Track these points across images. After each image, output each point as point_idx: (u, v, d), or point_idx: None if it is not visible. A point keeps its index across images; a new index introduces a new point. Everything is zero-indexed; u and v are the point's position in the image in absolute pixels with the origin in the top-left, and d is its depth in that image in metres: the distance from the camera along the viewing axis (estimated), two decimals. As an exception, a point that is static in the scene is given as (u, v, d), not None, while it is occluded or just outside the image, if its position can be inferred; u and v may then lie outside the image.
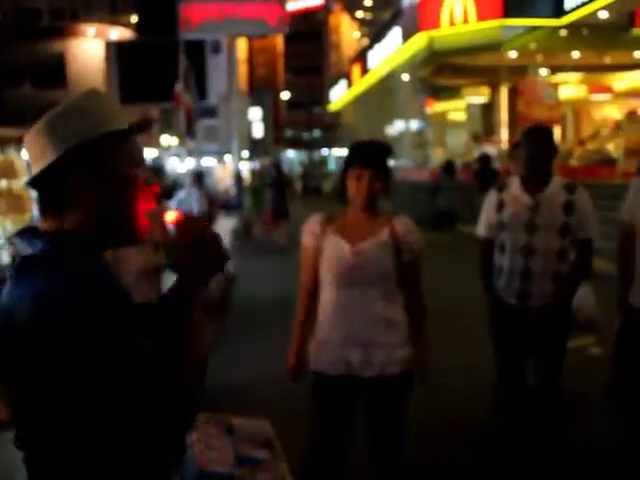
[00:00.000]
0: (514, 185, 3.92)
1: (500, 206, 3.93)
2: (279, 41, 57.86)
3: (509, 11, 18.39)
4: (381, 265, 3.02)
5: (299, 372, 3.22)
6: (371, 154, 3.08)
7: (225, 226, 10.58)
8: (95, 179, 1.48)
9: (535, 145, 3.84)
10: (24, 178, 7.18)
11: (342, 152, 42.86)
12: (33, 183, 1.51)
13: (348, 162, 3.08)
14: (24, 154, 7.24)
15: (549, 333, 3.86)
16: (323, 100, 51.08)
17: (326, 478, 3.16)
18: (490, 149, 20.51)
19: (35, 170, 1.48)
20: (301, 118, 59.23)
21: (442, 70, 22.64)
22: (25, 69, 38.55)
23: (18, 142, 7.01)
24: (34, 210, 7.36)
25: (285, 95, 59.27)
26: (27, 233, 1.49)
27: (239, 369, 6.22)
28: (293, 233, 15.97)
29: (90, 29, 40.42)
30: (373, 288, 3.01)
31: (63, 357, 1.31)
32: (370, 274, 3.01)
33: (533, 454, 3.94)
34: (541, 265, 3.80)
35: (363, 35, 37.93)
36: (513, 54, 20.31)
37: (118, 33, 41.02)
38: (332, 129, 50.95)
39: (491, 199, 4.02)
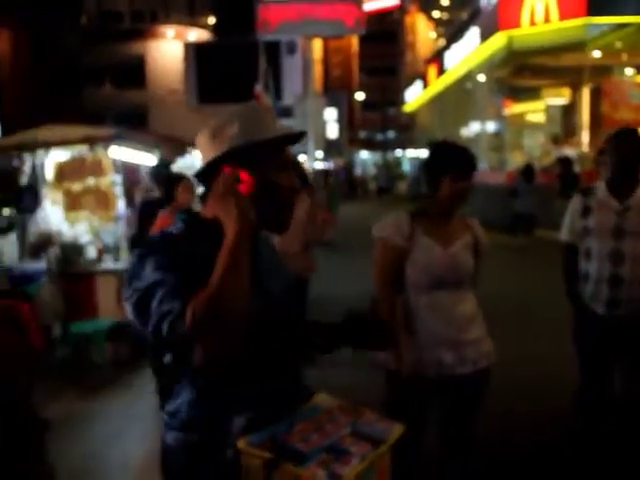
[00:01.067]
0: (600, 190, 3.84)
1: (586, 211, 3.87)
2: (354, 41, 57.86)
3: (593, 9, 17.88)
4: (468, 266, 3.13)
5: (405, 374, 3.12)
6: (471, 159, 3.12)
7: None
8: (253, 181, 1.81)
9: (623, 148, 3.75)
10: (111, 176, 7.49)
11: (416, 153, 42.60)
12: (198, 176, 1.89)
13: (445, 166, 3.08)
14: (111, 152, 7.56)
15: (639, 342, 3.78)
16: (398, 101, 50.88)
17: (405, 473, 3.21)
18: (570, 152, 20.07)
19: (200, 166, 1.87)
20: (375, 119, 59.18)
21: (521, 70, 22.27)
22: (106, 70, 39.62)
23: (107, 141, 7.33)
24: (119, 207, 7.66)
25: (360, 96, 59.25)
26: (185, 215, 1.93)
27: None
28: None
29: (169, 31, 41.30)
30: (460, 288, 3.11)
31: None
32: (460, 275, 3.10)
33: (613, 463, 3.90)
34: (630, 272, 3.72)
35: (439, 35, 37.60)
36: (597, 53, 19.82)
37: (196, 34, 41.79)
38: (407, 130, 50.69)
39: (576, 204, 3.95)
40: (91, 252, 7.31)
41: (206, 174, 1.85)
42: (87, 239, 7.42)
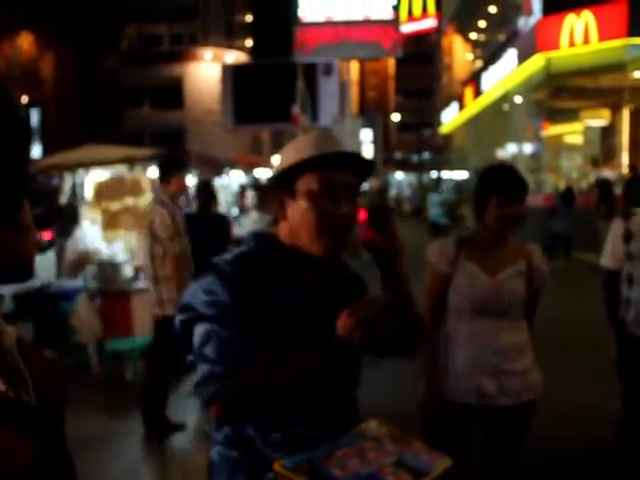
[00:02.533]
0: None
1: (627, 236, 3.79)
2: (390, 63, 58.14)
3: (634, 29, 17.73)
4: (517, 295, 2.98)
5: (436, 402, 3.08)
6: (518, 181, 2.98)
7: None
8: (288, 200, 1.82)
9: None
10: (149, 195, 7.57)
11: (452, 174, 42.44)
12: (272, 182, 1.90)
13: (491, 187, 2.96)
14: (150, 172, 7.64)
15: None
16: (434, 122, 50.87)
17: None
18: (609, 174, 19.82)
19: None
20: (411, 140, 59.18)
21: (559, 92, 22.10)
22: (145, 91, 40.26)
23: (145, 161, 7.43)
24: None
25: (396, 117, 59.37)
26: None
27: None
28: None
29: (207, 53, 41.86)
30: (506, 316, 2.98)
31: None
32: (506, 303, 2.97)
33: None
34: None
35: (476, 57, 37.51)
36: (638, 74, 19.60)
37: (234, 57, 42.29)
38: (442, 151, 50.60)
39: (617, 228, 3.87)
40: (127, 271, 7.37)
41: (281, 180, 1.84)
42: (124, 258, 7.49)
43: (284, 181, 1.81)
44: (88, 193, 7.78)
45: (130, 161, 7.36)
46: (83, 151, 7.66)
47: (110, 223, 7.58)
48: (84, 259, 7.43)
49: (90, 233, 7.66)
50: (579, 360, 7.20)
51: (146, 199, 7.43)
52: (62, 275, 7.94)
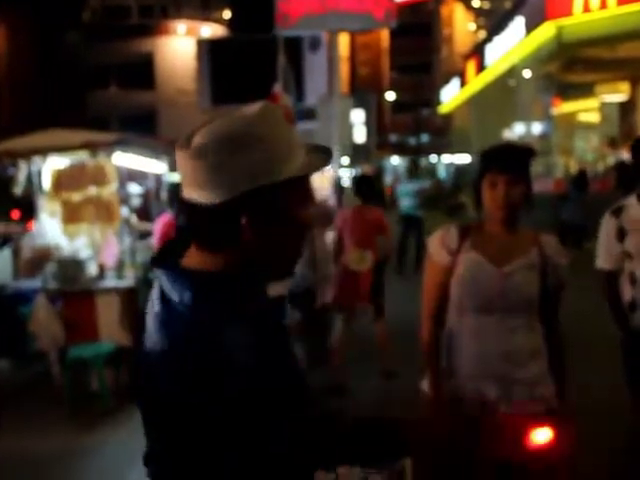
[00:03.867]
0: (632, 207, 3.81)
1: (621, 234, 3.81)
2: (384, 36, 58.12)
3: (657, -9, 17.77)
4: (528, 290, 2.89)
5: (442, 407, 3.04)
6: (507, 157, 2.93)
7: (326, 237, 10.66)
8: (264, 220, 1.50)
9: None
10: (114, 184, 7.53)
11: (453, 158, 42.56)
12: (198, 212, 1.48)
13: (482, 167, 2.93)
14: (115, 159, 7.59)
15: None
16: (433, 101, 50.99)
17: None
18: (629, 156, 19.88)
19: (194, 197, 1.47)
20: (407, 121, 59.21)
21: (572, 65, 22.13)
22: (111, 69, 40.08)
23: (109, 147, 7.38)
24: (122, 217, 7.71)
25: (390, 96, 59.39)
26: (170, 268, 1.51)
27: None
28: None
29: (180, 26, 41.74)
30: (515, 315, 2.90)
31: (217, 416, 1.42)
32: (515, 300, 2.88)
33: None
34: None
35: (479, 27, 37.64)
36: (661, 43, 19.67)
37: (210, 30, 42.19)
38: (442, 133, 50.71)
39: (608, 227, 3.89)
40: (92, 268, 7.33)
41: (213, 215, 1.48)
42: (87, 254, 7.45)
43: (263, 197, 1.49)
44: (46, 183, 7.73)
45: (92, 147, 7.30)
46: (40, 136, 7.59)
47: (71, 216, 7.52)
48: (43, 256, 7.39)
49: (49, 227, 7.62)
50: (593, 360, 7.26)
51: (111, 188, 7.40)
52: (19, 275, 7.89)
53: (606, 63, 21.72)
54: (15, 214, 9.04)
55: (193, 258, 1.53)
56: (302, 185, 1.55)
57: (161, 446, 1.54)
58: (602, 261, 3.96)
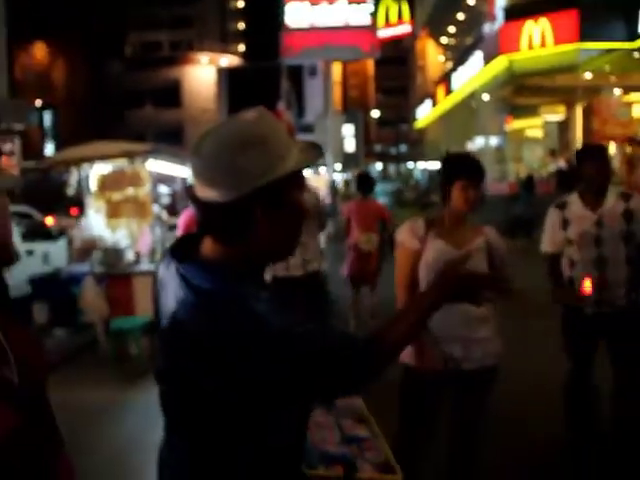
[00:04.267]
0: (574, 202, 3.82)
1: (564, 223, 3.83)
2: (370, 65, 57.91)
3: (585, 35, 17.94)
4: (480, 269, 2.92)
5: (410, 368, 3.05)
6: (476, 167, 3.02)
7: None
8: (277, 212, 1.41)
9: (598, 165, 3.72)
10: (148, 186, 7.51)
11: (426, 165, 42.46)
12: (211, 207, 1.38)
13: (454, 174, 2.99)
14: (148, 165, 7.56)
15: (626, 334, 3.77)
16: (409, 118, 50.81)
17: (414, 465, 3.11)
18: (565, 164, 19.93)
19: (218, 196, 1.36)
20: (389, 134, 59.18)
21: (521, 90, 22.14)
22: (147, 93, 39.96)
23: (143, 155, 7.37)
24: (154, 213, 7.70)
25: (375, 113, 59.29)
26: (191, 258, 1.43)
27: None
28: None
29: (203, 57, 41.57)
30: None
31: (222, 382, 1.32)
32: None
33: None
34: (613, 274, 3.70)
35: (447, 59, 37.43)
36: (588, 75, 19.68)
37: (228, 60, 42.04)
38: (417, 144, 50.59)
39: (554, 217, 3.90)
40: (129, 255, 7.32)
41: (228, 209, 1.38)
42: (126, 244, 7.43)
43: (274, 191, 1.40)
44: (93, 185, 7.71)
45: (129, 155, 7.29)
46: (87, 147, 7.58)
47: (113, 212, 7.51)
48: (90, 245, 7.37)
49: (95, 222, 7.59)
50: (536, 332, 7.27)
51: (145, 190, 7.39)
52: (72, 261, 7.88)
53: (547, 90, 21.75)
54: (74, 211, 9.02)
55: (211, 250, 1.43)
56: (298, 176, 1.47)
57: (174, 431, 1.50)
58: (546, 245, 3.99)
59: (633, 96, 21.39)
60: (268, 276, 5.56)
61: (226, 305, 1.33)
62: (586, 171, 3.73)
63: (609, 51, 17.90)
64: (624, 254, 3.70)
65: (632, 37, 17.15)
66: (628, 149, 19.46)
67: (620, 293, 3.72)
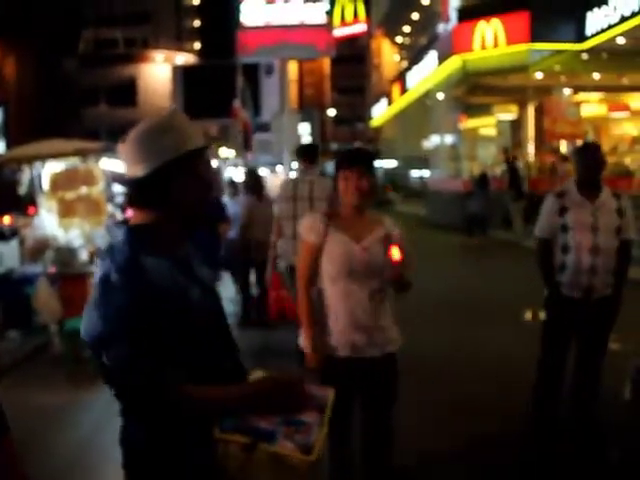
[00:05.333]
0: (573, 192, 4.02)
1: (562, 210, 4.02)
2: (326, 64, 57.96)
3: (535, 36, 18.28)
4: (381, 259, 3.01)
5: (320, 356, 3.10)
6: (355, 157, 3.06)
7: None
8: (190, 182, 1.75)
9: (593, 159, 3.98)
10: (101, 185, 7.40)
11: (382, 163, 42.71)
12: (134, 183, 1.73)
13: (337, 166, 3.06)
14: (102, 163, 7.46)
15: (605, 319, 4.04)
16: (365, 117, 51.01)
17: (337, 455, 3.19)
18: (518, 162, 20.27)
19: (137, 172, 1.71)
20: (345, 133, 59.31)
21: (474, 89, 22.42)
22: (101, 90, 39.37)
23: (97, 153, 7.25)
24: (108, 212, 7.58)
25: (331, 112, 59.38)
26: (122, 223, 1.79)
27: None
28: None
29: (159, 55, 41.13)
30: (372, 279, 3.01)
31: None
32: (372, 268, 3.00)
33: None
34: (603, 262, 3.95)
35: (402, 58, 37.70)
36: (539, 75, 20.06)
37: (183, 58, 41.63)
38: (373, 143, 50.83)
39: (551, 204, 4.10)
40: (83, 255, 7.20)
41: (148, 182, 1.70)
42: (80, 243, 7.31)
43: (185, 163, 1.73)
44: (45, 184, 7.55)
45: (81, 153, 7.16)
46: (39, 145, 7.42)
47: (66, 211, 7.36)
48: (43, 245, 7.22)
49: (48, 221, 7.44)
50: (497, 317, 7.41)
51: (99, 188, 7.27)
52: (24, 261, 7.71)
53: (499, 89, 22.08)
54: (32, 210, 8.83)
55: (134, 219, 1.77)
56: (204, 155, 1.80)
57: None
58: (541, 231, 4.16)
59: (582, 96, 21.93)
60: (283, 264, 5.93)
61: (113, 257, 1.66)
62: (583, 166, 3.97)
63: (559, 52, 18.29)
64: (614, 246, 3.96)
65: (580, 39, 17.56)
66: (551, 159, 20.12)
67: (607, 281, 3.98)
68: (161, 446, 1.70)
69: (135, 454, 1.76)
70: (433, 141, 28.30)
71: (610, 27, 16.04)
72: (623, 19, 15.39)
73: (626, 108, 22.93)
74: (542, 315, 4.28)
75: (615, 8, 15.73)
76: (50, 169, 7.54)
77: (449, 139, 25.91)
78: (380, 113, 40.34)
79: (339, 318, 3.05)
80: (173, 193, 1.71)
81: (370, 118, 45.65)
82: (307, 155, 6.10)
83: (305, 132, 40.75)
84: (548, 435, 4.17)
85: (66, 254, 7.08)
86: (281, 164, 23.84)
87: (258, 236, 7.15)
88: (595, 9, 16.76)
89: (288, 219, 5.67)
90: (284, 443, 1.63)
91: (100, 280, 1.65)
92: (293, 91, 40.35)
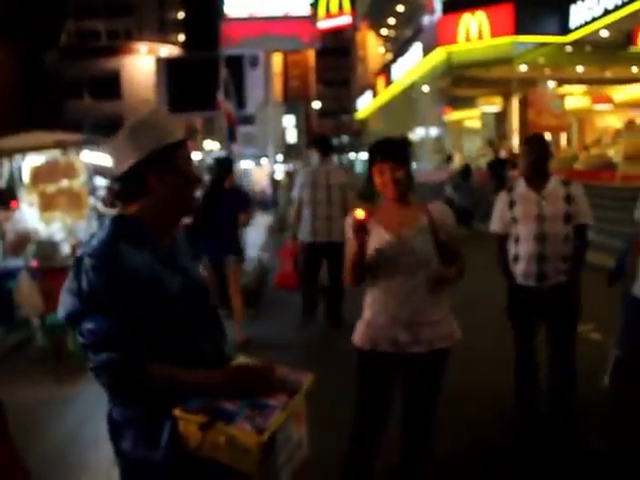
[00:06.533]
0: (520, 186, 4.16)
1: (511, 204, 4.16)
2: (311, 56, 57.81)
3: (520, 29, 18.33)
4: (424, 251, 2.95)
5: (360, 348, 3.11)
6: (388, 148, 3.02)
7: (261, 222, 10.57)
8: (169, 175, 1.84)
9: (536, 150, 4.08)
10: (83, 178, 7.31)
11: (367, 156, 42.75)
12: (117, 178, 1.84)
13: (370, 159, 3.04)
14: (83, 156, 7.37)
15: (564, 306, 4.09)
16: (350, 109, 50.98)
17: (371, 448, 3.16)
18: (503, 154, 20.34)
19: (119, 168, 1.83)
20: (330, 125, 59.25)
21: (459, 81, 22.47)
22: (85, 83, 39.03)
23: (78, 146, 7.16)
24: (90, 205, 7.50)
25: (316, 104, 59.29)
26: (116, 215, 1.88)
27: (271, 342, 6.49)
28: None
29: (143, 47, 40.80)
30: (417, 273, 2.95)
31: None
32: (414, 260, 2.94)
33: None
34: (552, 249, 4.02)
35: (387, 50, 37.69)
36: (523, 68, 20.12)
37: (167, 50, 41.34)
38: (358, 135, 50.82)
39: (503, 199, 4.25)
40: (65, 248, 7.12)
41: (130, 175, 1.83)
42: (61, 236, 7.22)
43: (162, 158, 1.83)
44: (25, 177, 7.46)
45: (62, 146, 7.06)
46: (19, 138, 7.31)
47: (47, 205, 7.26)
48: (24, 239, 7.13)
49: (28, 214, 7.35)
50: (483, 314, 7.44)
51: (80, 181, 7.18)
52: (5, 255, 7.61)
53: (484, 81, 22.15)
54: (14, 204, 8.75)
55: (120, 211, 1.88)
56: (185, 149, 1.89)
57: None
58: (495, 225, 4.31)
59: (566, 88, 22.03)
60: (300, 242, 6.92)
61: (91, 242, 1.79)
62: (528, 157, 4.08)
63: (543, 45, 18.36)
64: (563, 232, 4.02)
65: (564, 31, 17.64)
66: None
67: (559, 267, 4.03)
68: (134, 420, 1.81)
69: (114, 427, 1.86)
70: (418, 133, 28.34)
71: (594, 20, 16.12)
72: (606, 12, 15.48)
73: (609, 101, 23.10)
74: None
75: (599, 1, 15.81)
76: (30, 162, 7.43)
77: (434, 131, 25.98)
78: (365, 105, 40.34)
79: (381, 313, 3.03)
80: (153, 186, 1.81)
81: (355, 110, 45.62)
82: (323, 147, 6.96)
83: (290, 125, 40.71)
84: (529, 425, 4.21)
85: (48, 248, 6.99)
86: (266, 157, 23.79)
87: None
88: (579, 2, 16.84)
89: (307, 204, 6.70)
90: (242, 424, 1.66)
91: (75, 261, 1.77)
92: (278, 83, 40.26)
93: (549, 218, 4.01)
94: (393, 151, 2.99)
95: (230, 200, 6.53)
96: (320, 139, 7.17)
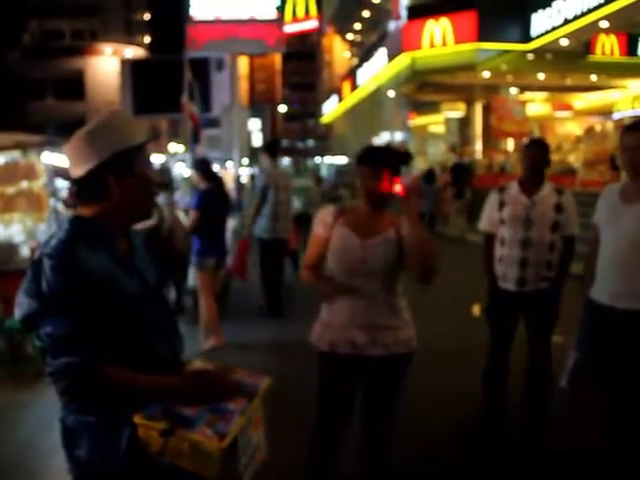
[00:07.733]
0: (513, 188, 4.12)
1: (501, 205, 4.13)
2: (277, 60, 57.82)
3: (483, 36, 18.59)
4: (385, 260, 2.96)
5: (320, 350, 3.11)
6: (376, 155, 3.02)
7: (227, 225, 10.46)
8: (129, 178, 1.84)
9: (534, 155, 4.06)
10: (43, 179, 7.17)
11: (333, 160, 42.83)
12: (77, 180, 1.84)
13: (357, 163, 3.03)
14: (43, 158, 7.23)
15: (542, 313, 4.09)
16: (316, 113, 51.06)
17: (330, 450, 3.16)
18: (465, 158, 20.61)
19: (78, 171, 1.83)
20: (296, 129, 59.35)
21: (423, 87, 22.68)
22: (48, 83, 38.45)
23: (39, 147, 7.02)
24: (51, 207, 7.36)
25: (282, 108, 59.25)
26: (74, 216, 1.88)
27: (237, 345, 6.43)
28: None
29: (107, 48, 40.35)
30: (376, 278, 2.96)
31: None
32: (374, 266, 2.94)
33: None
34: (536, 255, 3.99)
35: (353, 55, 37.88)
36: (486, 74, 20.39)
37: (132, 52, 40.92)
38: (324, 139, 50.96)
39: (493, 199, 4.22)
40: (24, 251, 6.97)
41: (89, 177, 1.83)
42: (20, 239, 7.08)
43: (121, 162, 1.83)
44: (-17, 179, 7.28)
45: (22, 147, 6.92)
46: (-23, 139, 7.13)
47: (6, 206, 7.11)
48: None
49: (-14, 216, 7.18)
50: (445, 309, 7.50)
51: (40, 183, 7.05)
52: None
53: (448, 87, 22.38)
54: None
55: (80, 210, 1.88)
56: (144, 153, 1.89)
57: None
58: (483, 224, 4.28)
59: (528, 95, 22.40)
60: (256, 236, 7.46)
61: (48, 244, 1.78)
62: (526, 160, 4.07)
63: (505, 52, 18.63)
64: (548, 240, 4.00)
65: (526, 39, 17.94)
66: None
67: (541, 273, 4.01)
68: (91, 427, 1.78)
69: (68, 434, 1.85)
70: (384, 138, 28.50)
71: (554, 29, 16.45)
72: (566, 21, 15.79)
73: (569, 108, 23.56)
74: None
75: (559, 11, 16.13)
76: (-11, 163, 7.26)
77: (399, 136, 26.14)
78: (331, 110, 40.42)
79: (339, 314, 3.02)
80: (112, 189, 1.81)
81: (321, 115, 45.69)
82: (272, 150, 7.55)
83: (255, 128, 40.60)
84: (496, 419, 4.27)
85: (6, 250, 6.84)
86: (231, 159, 23.66)
87: None
88: (540, 11, 17.14)
89: (271, 204, 7.30)
90: (203, 430, 1.66)
91: (34, 262, 1.76)
92: (244, 87, 40.15)
93: (537, 224, 3.98)
94: (374, 158, 2.99)
95: (223, 202, 6.68)
96: (269, 143, 7.87)
